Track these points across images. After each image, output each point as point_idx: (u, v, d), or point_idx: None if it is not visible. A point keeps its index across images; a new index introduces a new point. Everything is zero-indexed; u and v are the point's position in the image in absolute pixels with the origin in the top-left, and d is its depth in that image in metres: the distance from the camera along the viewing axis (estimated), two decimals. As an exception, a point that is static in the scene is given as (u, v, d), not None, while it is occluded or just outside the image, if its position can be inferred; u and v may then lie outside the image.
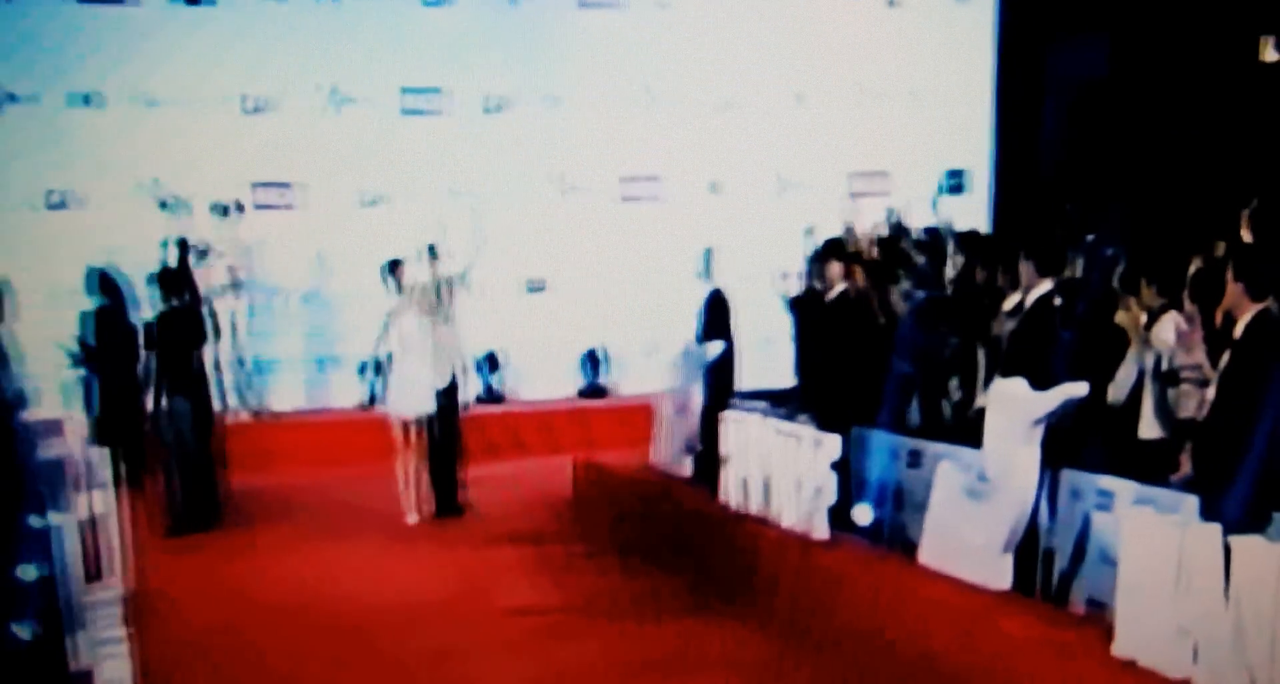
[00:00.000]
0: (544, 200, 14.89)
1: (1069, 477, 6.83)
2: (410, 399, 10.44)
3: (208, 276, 12.69)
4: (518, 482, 10.70)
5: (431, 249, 10.55)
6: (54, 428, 7.06)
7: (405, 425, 10.51)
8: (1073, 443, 7.16)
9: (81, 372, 10.70)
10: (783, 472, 8.56)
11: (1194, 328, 7.00)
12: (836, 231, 11.00)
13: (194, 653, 7.22)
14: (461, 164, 14.62)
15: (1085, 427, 7.32)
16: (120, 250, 12.74)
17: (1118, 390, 7.53)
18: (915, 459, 8.41)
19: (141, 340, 10.49)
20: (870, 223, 11.01)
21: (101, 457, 7.26)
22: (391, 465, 10.77)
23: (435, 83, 14.76)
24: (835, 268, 9.22)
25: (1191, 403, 7.01)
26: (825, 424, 8.56)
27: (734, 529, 8.92)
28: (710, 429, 9.95)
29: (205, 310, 11.68)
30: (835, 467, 8.16)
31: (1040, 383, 6.71)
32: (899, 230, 10.72)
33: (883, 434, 8.78)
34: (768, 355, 13.13)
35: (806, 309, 10.21)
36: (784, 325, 11.78)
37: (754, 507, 8.91)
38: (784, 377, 12.02)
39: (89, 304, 11.66)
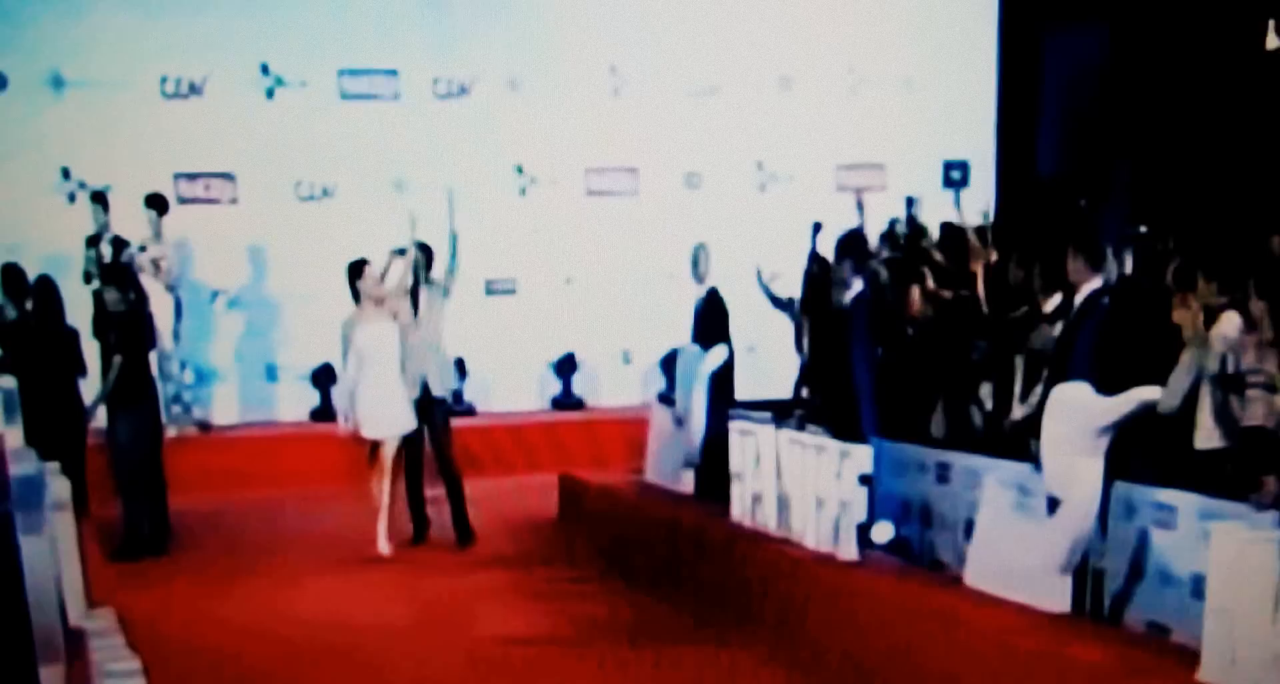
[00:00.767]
0: (503, 194, 14.91)
1: (1121, 490, 6.97)
2: (384, 418, 10.29)
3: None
4: (494, 500, 10.70)
5: (402, 250, 10.45)
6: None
7: (379, 446, 10.35)
8: (1121, 454, 7.30)
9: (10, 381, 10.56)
10: (803, 487, 8.64)
11: (1261, 328, 7.11)
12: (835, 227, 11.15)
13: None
14: (411, 154, 14.64)
15: (1133, 436, 7.45)
16: (20, 247, 12.70)
17: (1171, 396, 7.64)
18: (944, 473, 8.55)
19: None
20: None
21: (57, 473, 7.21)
22: (348, 485, 10.67)
23: (380, 63, 14.74)
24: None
25: (1258, 410, 7.10)
26: (842, 436, 8.67)
27: (746, 550, 8.99)
28: (713, 442, 10.04)
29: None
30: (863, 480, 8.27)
31: (1103, 387, 6.84)
32: (915, 225, 10.87)
33: (906, 446, 8.91)
34: (752, 363, 13.31)
35: (819, 312, 10.33)
36: (769, 331, 11.93)
37: (769, 525, 8.98)
38: (773, 386, 12.19)
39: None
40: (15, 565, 5.69)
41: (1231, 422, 7.29)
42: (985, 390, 9.19)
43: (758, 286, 11.33)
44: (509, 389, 14.92)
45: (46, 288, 11.09)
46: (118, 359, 10.43)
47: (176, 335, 13.23)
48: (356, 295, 10.47)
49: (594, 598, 9.42)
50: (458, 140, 14.73)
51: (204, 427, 13.65)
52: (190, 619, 8.71)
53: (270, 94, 14.53)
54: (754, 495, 9.18)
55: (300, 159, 14.51)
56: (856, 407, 9.18)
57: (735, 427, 9.49)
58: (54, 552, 5.90)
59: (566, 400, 15.03)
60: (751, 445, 9.23)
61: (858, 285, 9.50)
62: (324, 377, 14.33)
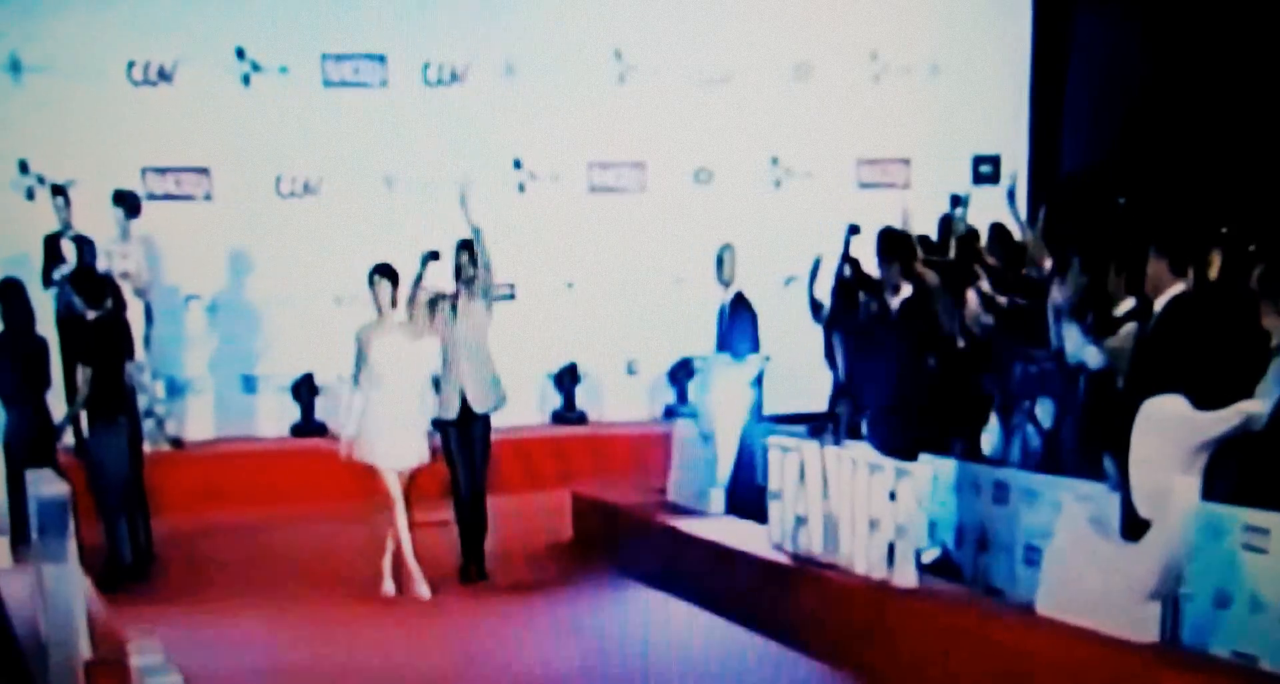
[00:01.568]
0: (499, 190, 14.86)
1: (1204, 510, 6.99)
2: (394, 446, 9.89)
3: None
4: (499, 520, 10.62)
5: (435, 254, 10.26)
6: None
7: (394, 477, 9.97)
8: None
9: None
10: (854, 508, 8.64)
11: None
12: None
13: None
14: (399, 147, 14.61)
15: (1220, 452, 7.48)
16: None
17: (1260, 408, 7.68)
18: (1001, 493, 8.59)
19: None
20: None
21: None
22: (333, 505, 10.47)
23: (366, 48, 14.69)
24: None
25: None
26: (889, 453, 8.69)
27: (789, 576, 8.99)
28: (747, 459, 10.04)
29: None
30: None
31: (1193, 400, 6.87)
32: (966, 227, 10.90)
33: (960, 464, 8.94)
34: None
35: (855, 321, 10.34)
36: (782, 339, 11.92)
37: (814, 549, 8.98)
38: (786, 399, 12.17)
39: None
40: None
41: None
42: (1045, 407, 9.25)
43: (806, 289, 11.31)
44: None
45: (14, 292, 10.95)
46: (87, 371, 10.28)
47: (147, 343, 13.11)
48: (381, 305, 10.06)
49: (618, 626, 9.39)
50: (450, 132, 14.69)
51: (177, 443, 13.55)
52: (202, 656, 8.55)
53: (247, 81, 14.45)
54: (796, 517, 9.16)
55: (280, 152, 14.45)
56: (906, 421, 9.17)
57: (775, 442, 9.47)
58: (78, 582, 5.84)
59: (568, 414, 15.00)
60: (794, 463, 9.20)
61: (906, 290, 9.51)
62: (305, 389, 14.31)
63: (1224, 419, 6.75)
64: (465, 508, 10.39)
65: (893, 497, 8.33)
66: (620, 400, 15.18)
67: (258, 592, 10.26)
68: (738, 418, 10.48)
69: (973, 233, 10.84)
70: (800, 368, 12.20)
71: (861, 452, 8.82)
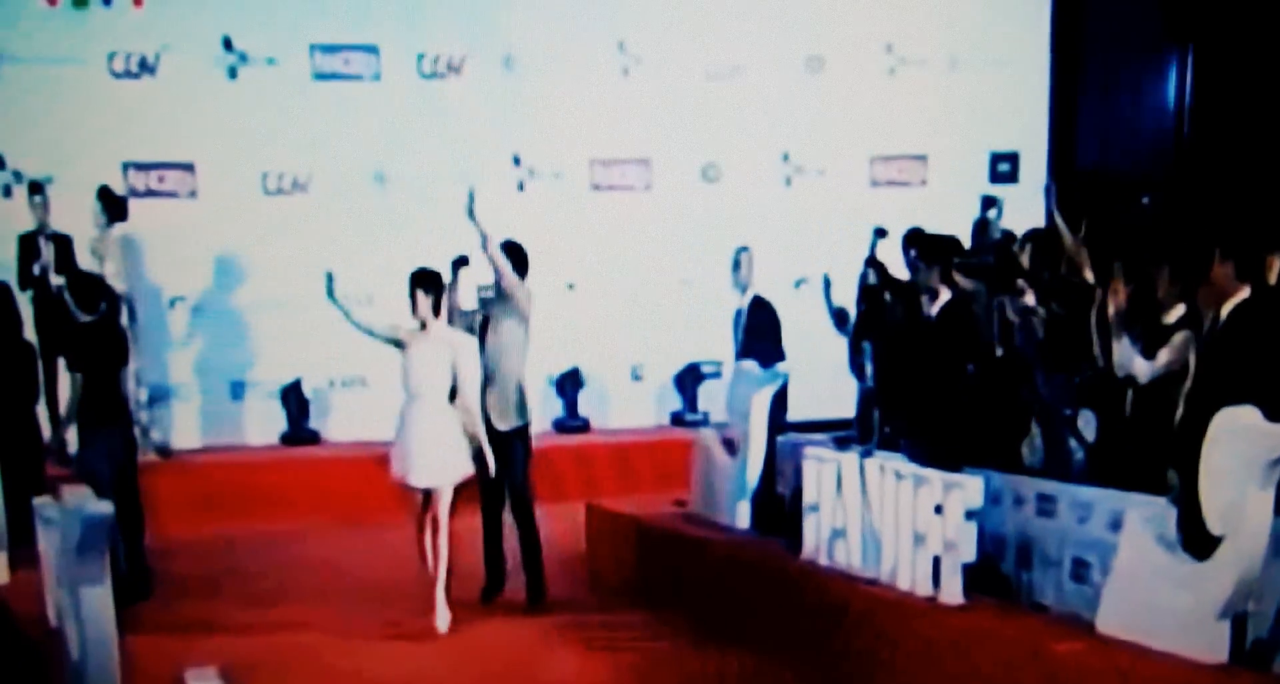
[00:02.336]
0: (497, 188, 14.84)
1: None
2: (434, 462, 9.64)
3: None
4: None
5: (464, 259, 10.15)
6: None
7: (431, 496, 9.72)
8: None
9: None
10: (897, 522, 8.67)
11: None
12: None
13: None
14: (393, 142, 14.65)
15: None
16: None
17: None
18: (1048, 506, 8.62)
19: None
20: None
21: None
22: (331, 517, 10.37)
23: (358, 38, 14.71)
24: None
25: None
26: (929, 464, 8.72)
27: (825, 592, 8.98)
28: (775, 469, 10.07)
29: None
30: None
31: (1271, 412, 6.91)
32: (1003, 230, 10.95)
33: (1002, 475, 8.97)
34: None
35: (885, 327, 10.37)
36: (797, 344, 11.95)
37: (852, 564, 9.00)
38: (805, 406, 12.20)
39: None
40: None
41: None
42: (1086, 419, 9.27)
43: (822, 297, 11.35)
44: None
45: (2, 296, 10.90)
46: (78, 377, 10.23)
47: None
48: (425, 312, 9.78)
49: (647, 646, 9.40)
50: (446, 127, 14.72)
51: (164, 451, 13.52)
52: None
53: (233, 73, 14.48)
54: (833, 530, 9.18)
55: (268, 147, 14.46)
56: (947, 431, 9.21)
57: (810, 453, 9.48)
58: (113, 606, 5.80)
59: (570, 421, 15.01)
60: (830, 474, 9.22)
61: (945, 295, 9.55)
62: (294, 395, 14.29)
63: (1306, 432, 6.79)
64: (495, 524, 10.44)
65: (938, 509, 8.37)
66: (624, 407, 15.20)
67: (272, 609, 10.25)
68: (765, 428, 10.47)
69: (1009, 236, 10.88)
70: (811, 374, 12.17)
71: (899, 463, 8.83)
